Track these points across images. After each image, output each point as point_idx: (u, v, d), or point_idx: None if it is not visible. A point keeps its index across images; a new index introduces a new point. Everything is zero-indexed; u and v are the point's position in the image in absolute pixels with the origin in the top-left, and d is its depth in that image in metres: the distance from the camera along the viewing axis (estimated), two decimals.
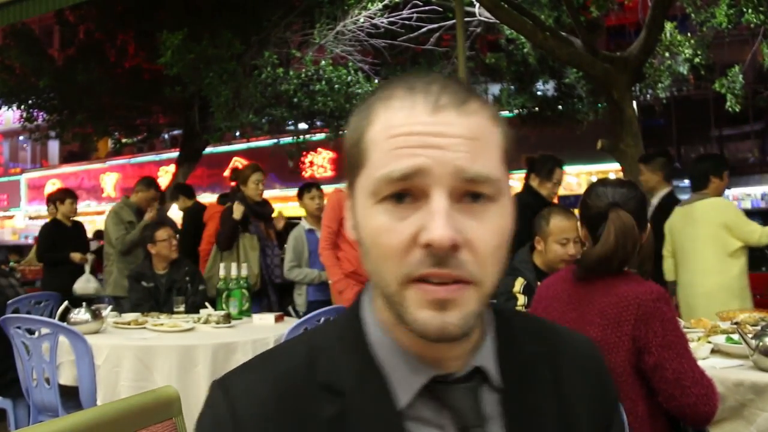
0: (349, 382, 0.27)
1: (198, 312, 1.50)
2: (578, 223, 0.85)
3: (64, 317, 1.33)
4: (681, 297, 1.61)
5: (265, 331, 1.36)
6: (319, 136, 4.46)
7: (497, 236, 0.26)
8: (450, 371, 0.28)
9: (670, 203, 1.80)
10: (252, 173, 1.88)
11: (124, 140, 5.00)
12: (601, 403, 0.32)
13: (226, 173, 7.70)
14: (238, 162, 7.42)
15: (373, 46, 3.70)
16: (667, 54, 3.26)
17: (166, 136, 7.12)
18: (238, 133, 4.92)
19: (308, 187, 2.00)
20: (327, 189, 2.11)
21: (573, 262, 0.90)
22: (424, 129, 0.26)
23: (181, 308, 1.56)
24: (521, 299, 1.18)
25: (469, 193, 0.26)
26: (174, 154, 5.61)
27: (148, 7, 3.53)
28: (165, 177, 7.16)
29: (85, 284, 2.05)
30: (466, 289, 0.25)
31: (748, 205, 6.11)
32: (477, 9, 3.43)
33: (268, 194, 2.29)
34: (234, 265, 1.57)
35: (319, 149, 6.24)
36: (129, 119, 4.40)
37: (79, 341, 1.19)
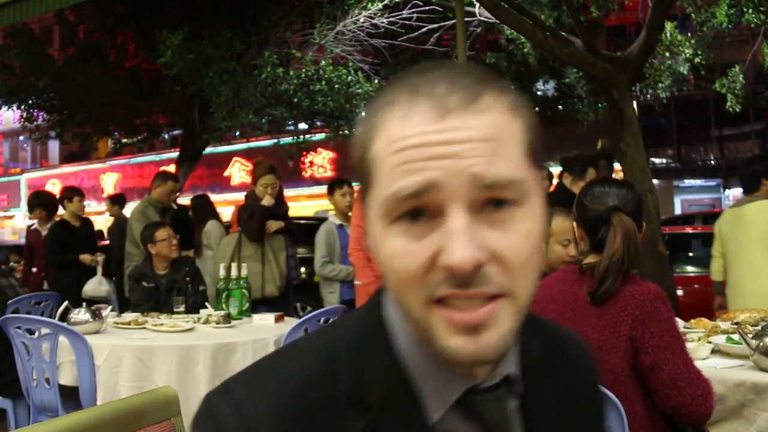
0: (378, 394, 0.25)
1: (198, 312, 1.50)
2: (573, 224, 0.84)
3: (64, 317, 1.33)
4: (730, 297, 1.60)
5: (265, 331, 1.36)
6: (319, 136, 4.48)
7: (528, 243, 0.23)
8: (481, 380, 0.26)
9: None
10: (262, 175, 1.76)
11: (124, 140, 5.00)
12: (596, 405, 0.32)
13: (227, 173, 7.71)
14: (239, 161, 7.40)
15: (373, 46, 3.70)
16: (667, 54, 3.26)
17: (166, 136, 7.13)
18: (238, 133, 4.92)
19: (339, 183, 1.91)
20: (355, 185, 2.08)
21: (572, 263, 0.90)
22: (431, 138, 0.23)
23: (181, 308, 1.56)
24: None
25: (491, 201, 0.23)
26: (174, 154, 5.63)
27: (148, 7, 3.53)
28: None
29: (96, 286, 1.97)
30: (498, 306, 0.23)
31: None
32: (477, 9, 3.42)
33: None
34: (234, 265, 1.57)
35: (319, 149, 6.26)
36: (129, 119, 4.40)
37: (79, 341, 1.19)
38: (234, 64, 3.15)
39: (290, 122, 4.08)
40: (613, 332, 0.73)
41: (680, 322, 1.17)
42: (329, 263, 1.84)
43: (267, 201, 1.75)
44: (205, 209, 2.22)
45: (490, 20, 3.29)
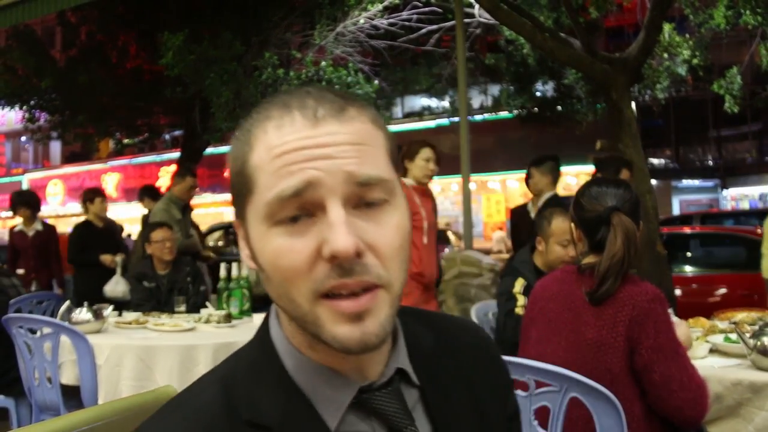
0: (275, 415, 0.26)
1: (199, 312, 1.51)
2: (571, 224, 0.84)
3: (65, 317, 1.34)
4: None
5: None
6: None
7: (398, 236, 0.26)
8: (373, 379, 0.28)
9: (553, 206, 1.89)
10: (420, 148, 1.52)
11: (125, 141, 5.01)
12: (501, 387, 0.33)
13: (227, 173, 7.64)
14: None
15: (373, 47, 3.72)
16: (665, 55, 3.25)
17: (167, 136, 7.13)
18: None
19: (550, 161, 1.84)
20: None
21: (571, 263, 0.90)
22: (307, 143, 0.25)
23: (182, 308, 1.56)
24: (521, 300, 1.17)
25: (364, 198, 0.25)
26: (175, 154, 5.63)
27: (149, 9, 3.54)
28: (166, 177, 7.21)
29: (113, 287, 1.93)
30: (377, 295, 0.25)
31: (746, 205, 6.12)
32: (476, 10, 3.44)
33: None
34: (235, 265, 1.57)
35: None
36: (130, 120, 4.41)
37: (80, 341, 1.20)
38: (235, 65, 3.16)
39: None
40: (611, 332, 0.73)
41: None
42: None
43: None
44: None
45: (490, 21, 3.31)
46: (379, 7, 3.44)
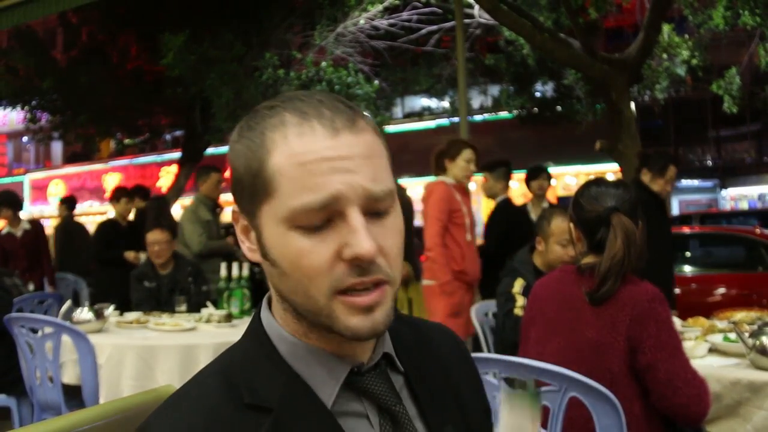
0: (275, 397, 0.28)
1: (200, 311, 1.51)
2: (570, 224, 0.84)
3: (66, 316, 1.34)
4: None
5: None
6: None
7: (400, 238, 0.29)
8: (362, 361, 0.30)
9: (505, 209, 1.88)
10: (462, 149, 1.52)
11: (126, 141, 5.02)
12: (475, 381, 0.36)
13: (228, 174, 7.65)
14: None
15: (373, 48, 3.72)
16: (664, 55, 3.25)
17: (168, 136, 7.14)
18: None
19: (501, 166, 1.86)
20: (416, 181, 2.03)
21: (570, 263, 0.90)
22: (330, 154, 0.27)
23: (183, 308, 1.57)
24: (521, 300, 1.17)
25: (375, 208, 0.28)
26: (176, 154, 5.64)
27: (150, 10, 3.54)
28: (167, 177, 7.20)
29: None
30: (384, 290, 0.28)
31: (745, 205, 6.12)
32: (476, 11, 3.45)
33: None
34: (235, 265, 1.58)
35: None
36: (131, 120, 4.42)
37: (81, 340, 1.20)
38: (235, 66, 3.17)
39: None
40: (611, 332, 0.74)
41: (678, 321, 1.17)
42: None
43: None
44: (157, 212, 2.27)
45: (490, 22, 3.32)
46: (380, 7, 3.45)
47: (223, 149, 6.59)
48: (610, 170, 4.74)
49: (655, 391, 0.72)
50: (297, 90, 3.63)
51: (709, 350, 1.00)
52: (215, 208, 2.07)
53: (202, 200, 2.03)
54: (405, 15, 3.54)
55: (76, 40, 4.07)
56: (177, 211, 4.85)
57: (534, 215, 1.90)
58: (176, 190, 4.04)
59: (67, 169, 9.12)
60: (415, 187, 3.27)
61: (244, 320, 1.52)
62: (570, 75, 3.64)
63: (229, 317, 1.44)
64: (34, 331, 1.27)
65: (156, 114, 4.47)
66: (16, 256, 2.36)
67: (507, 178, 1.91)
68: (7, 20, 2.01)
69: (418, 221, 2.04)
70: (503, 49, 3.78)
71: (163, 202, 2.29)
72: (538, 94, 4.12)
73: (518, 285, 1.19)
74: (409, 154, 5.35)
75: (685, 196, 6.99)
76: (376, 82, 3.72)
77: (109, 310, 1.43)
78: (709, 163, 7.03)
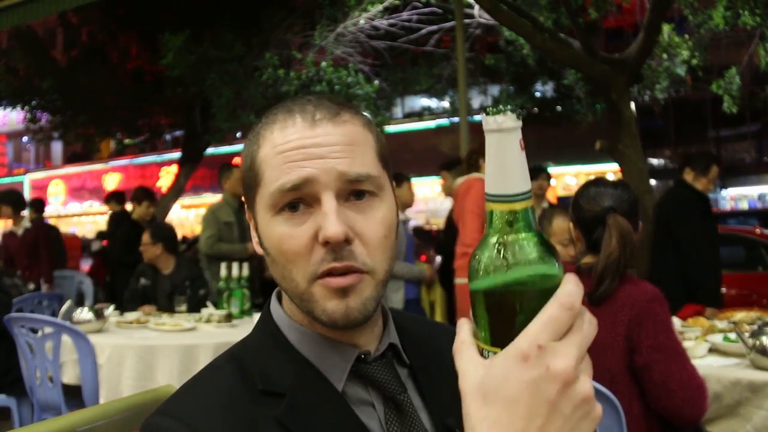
0: (287, 382, 0.29)
1: (199, 312, 1.51)
2: (570, 224, 0.85)
3: (66, 316, 1.34)
4: None
5: None
6: None
7: (383, 227, 0.30)
8: (368, 350, 0.32)
9: None
10: None
11: (126, 141, 5.02)
12: None
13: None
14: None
15: (373, 48, 3.71)
16: (664, 55, 3.25)
17: (168, 136, 7.14)
18: (239, 134, 4.94)
19: (405, 177, 1.87)
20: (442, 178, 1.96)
21: (571, 263, 0.91)
22: (305, 142, 0.29)
23: (183, 308, 1.57)
24: None
25: (354, 192, 0.29)
26: (176, 154, 5.60)
27: (150, 10, 3.54)
28: (167, 177, 7.22)
29: None
30: (361, 278, 0.29)
31: (745, 205, 6.12)
32: (476, 11, 3.44)
33: None
34: (235, 265, 1.58)
35: None
36: (131, 120, 4.42)
37: (81, 340, 1.21)
38: (235, 66, 3.17)
39: None
40: (611, 332, 0.74)
41: (678, 321, 1.17)
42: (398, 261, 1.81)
43: None
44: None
45: (490, 22, 3.31)
46: (380, 7, 3.45)
47: (223, 149, 6.63)
48: (610, 170, 4.75)
49: (650, 392, 0.73)
50: (297, 90, 3.67)
51: (709, 350, 1.00)
52: (241, 208, 2.06)
53: (227, 200, 2.00)
54: (405, 15, 3.54)
55: (76, 40, 4.07)
56: (177, 211, 4.83)
57: None
58: (176, 190, 4.04)
59: (67, 169, 9.13)
60: (416, 187, 3.26)
61: (244, 320, 1.51)
62: (570, 75, 3.64)
63: (229, 317, 1.45)
64: (34, 331, 1.28)
65: (156, 114, 4.47)
66: (18, 254, 2.36)
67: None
68: (7, 20, 2.01)
69: (415, 221, 2.03)
70: (503, 49, 3.78)
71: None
72: (538, 94, 4.12)
73: None
74: (409, 154, 5.37)
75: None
76: (376, 82, 3.72)
77: (109, 310, 1.44)
78: None
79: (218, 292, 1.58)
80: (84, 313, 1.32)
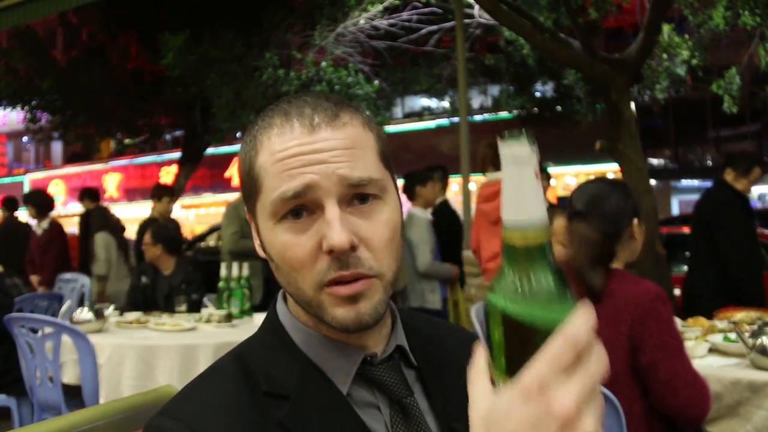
0: (291, 384, 0.29)
1: (199, 312, 1.52)
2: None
3: (66, 316, 1.34)
4: None
5: None
6: None
7: (388, 230, 0.29)
8: (375, 352, 0.31)
9: (444, 211, 1.95)
10: None
11: (126, 141, 5.03)
12: None
13: (228, 174, 7.73)
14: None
15: (373, 48, 3.72)
16: (664, 55, 3.25)
17: (168, 136, 7.15)
18: (239, 134, 4.93)
19: (430, 175, 1.85)
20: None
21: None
22: (305, 149, 0.29)
23: (183, 308, 1.57)
24: None
25: (357, 196, 0.29)
26: (176, 154, 5.65)
27: (150, 10, 3.55)
28: (167, 177, 7.21)
29: None
30: (370, 283, 0.29)
31: None
32: (476, 11, 3.44)
33: None
34: (235, 265, 1.58)
35: None
36: (131, 120, 4.42)
37: (81, 340, 1.20)
38: (235, 66, 3.18)
39: None
40: (613, 331, 0.74)
41: (678, 321, 1.17)
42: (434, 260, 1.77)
43: None
44: (99, 220, 2.26)
45: (490, 22, 3.31)
46: (380, 7, 3.45)
47: (223, 149, 6.63)
48: (610, 170, 4.74)
49: (654, 391, 0.73)
50: (297, 90, 3.65)
51: (709, 350, 1.00)
52: None
53: None
54: (405, 15, 3.54)
55: (76, 40, 4.08)
56: (177, 211, 4.82)
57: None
58: (176, 190, 4.04)
59: (67, 169, 9.13)
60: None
61: (244, 320, 1.51)
62: (570, 75, 3.64)
63: (229, 317, 1.45)
64: (34, 331, 1.28)
65: (156, 114, 4.48)
66: (34, 253, 2.38)
67: (443, 180, 1.97)
68: (7, 20, 2.01)
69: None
70: (503, 49, 3.78)
71: (105, 210, 2.30)
72: (538, 94, 4.12)
73: None
74: (409, 154, 5.36)
75: (685, 196, 7.00)
76: (376, 82, 3.72)
77: (109, 310, 1.43)
78: (709, 163, 7.03)
79: (218, 292, 1.58)
80: (84, 313, 1.32)
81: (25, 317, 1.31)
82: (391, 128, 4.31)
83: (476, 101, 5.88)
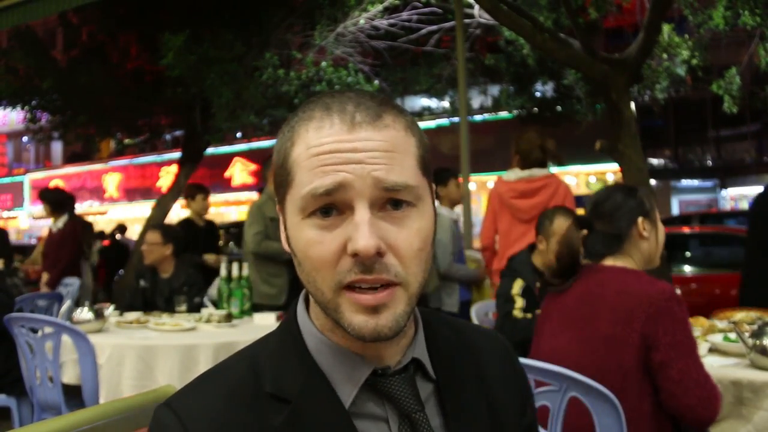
0: (295, 389, 0.29)
1: (199, 312, 1.51)
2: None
3: (66, 316, 1.34)
4: None
5: (266, 330, 1.36)
6: None
7: (418, 239, 0.28)
8: (389, 364, 0.30)
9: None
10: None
11: (126, 141, 5.02)
12: (517, 388, 0.35)
13: (228, 174, 7.73)
14: (240, 161, 7.39)
15: (373, 48, 3.73)
16: (664, 55, 3.26)
17: (168, 136, 7.14)
18: (239, 134, 4.93)
19: (451, 172, 1.79)
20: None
21: None
22: (342, 146, 0.28)
23: (183, 308, 1.57)
24: (519, 302, 1.17)
25: (391, 201, 0.28)
26: (176, 154, 5.62)
27: (151, 9, 3.55)
28: (167, 177, 7.23)
29: (214, 289, 1.78)
30: (394, 292, 0.28)
31: (745, 205, 6.14)
32: (476, 11, 3.45)
33: None
34: (235, 265, 1.58)
35: None
36: (131, 120, 4.41)
37: (81, 340, 1.20)
38: (235, 66, 3.17)
39: None
40: (626, 328, 0.73)
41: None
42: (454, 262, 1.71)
43: None
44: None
45: (490, 22, 3.32)
46: (380, 7, 3.45)
47: (223, 149, 6.61)
48: (610, 170, 4.75)
49: (665, 390, 0.72)
50: (297, 90, 3.63)
51: (709, 350, 1.00)
52: None
53: (270, 195, 1.85)
54: (405, 15, 3.55)
55: (76, 40, 4.07)
56: (177, 211, 4.81)
57: None
58: (176, 190, 4.05)
59: (67, 169, 9.15)
60: None
61: (244, 320, 1.51)
62: (570, 75, 3.65)
63: (229, 317, 1.44)
64: (34, 331, 1.28)
65: (156, 114, 4.47)
66: (47, 252, 2.35)
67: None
68: (7, 20, 2.01)
69: None
70: (503, 49, 3.79)
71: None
72: (538, 94, 4.13)
73: (517, 286, 1.19)
74: None
75: (685, 196, 7.01)
76: (376, 82, 3.73)
77: (109, 310, 1.43)
78: (709, 163, 7.04)
79: (218, 292, 1.57)
80: (84, 313, 1.32)
81: (25, 317, 1.31)
82: None
83: (476, 101, 5.88)
